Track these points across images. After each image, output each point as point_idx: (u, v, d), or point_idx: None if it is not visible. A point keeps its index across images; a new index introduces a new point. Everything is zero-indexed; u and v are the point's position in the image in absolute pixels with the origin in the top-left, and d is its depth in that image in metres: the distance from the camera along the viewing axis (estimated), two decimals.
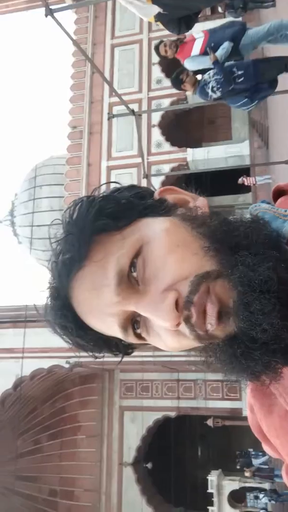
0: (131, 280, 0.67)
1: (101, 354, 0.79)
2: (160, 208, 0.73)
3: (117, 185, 0.78)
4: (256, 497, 16.25)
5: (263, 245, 0.65)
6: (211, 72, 5.06)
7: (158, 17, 4.96)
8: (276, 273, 0.62)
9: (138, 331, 0.70)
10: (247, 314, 0.61)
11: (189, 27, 5.26)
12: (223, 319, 0.63)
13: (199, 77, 5.28)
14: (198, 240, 0.67)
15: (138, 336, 0.71)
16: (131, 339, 0.71)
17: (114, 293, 0.67)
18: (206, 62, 5.05)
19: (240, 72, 5.05)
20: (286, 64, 5.30)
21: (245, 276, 0.61)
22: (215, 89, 5.04)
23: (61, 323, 0.72)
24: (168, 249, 0.66)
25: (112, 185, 0.80)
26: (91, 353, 0.78)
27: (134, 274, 0.67)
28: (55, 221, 0.74)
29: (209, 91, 5.12)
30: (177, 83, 5.37)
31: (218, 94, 5.08)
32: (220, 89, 5.01)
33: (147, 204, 0.73)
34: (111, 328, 0.70)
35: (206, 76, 5.14)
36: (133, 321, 0.69)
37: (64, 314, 0.71)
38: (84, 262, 0.69)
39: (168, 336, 0.67)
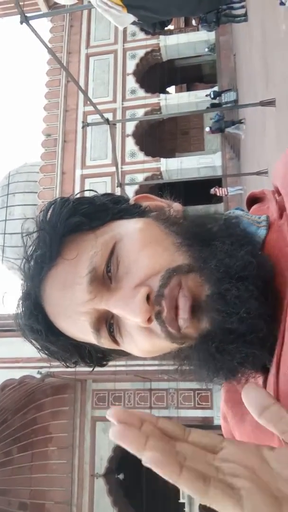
0: (104, 279, 0.66)
1: (73, 364, 0.76)
2: (134, 211, 0.73)
3: (93, 193, 0.77)
4: None
5: (239, 236, 0.65)
6: None
7: (134, 23, 5.05)
8: (254, 258, 0.62)
9: (113, 333, 0.68)
10: (222, 304, 0.60)
11: (163, 27, 5.35)
12: (196, 314, 0.61)
13: None
14: (170, 237, 0.67)
15: (112, 339, 0.68)
16: (104, 341, 0.69)
17: (86, 291, 0.65)
18: None
19: None
20: None
21: (221, 264, 0.61)
22: None
23: (31, 325, 0.70)
24: (140, 245, 0.66)
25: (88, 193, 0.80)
26: (62, 361, 0.76)
27: (109, 273, 0.66)
28: (29, 220, 0.73)
29: None
30: None
31: None
32: None
33: (121, 207, 0.73)
34: (83, 329, 0.68)
35: None
36: (107, 323, 0.67)
37: (34, 315, 0.69)
38: (56, 260, 0.67)
39: (139, 336, 0.65)
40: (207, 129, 17.76)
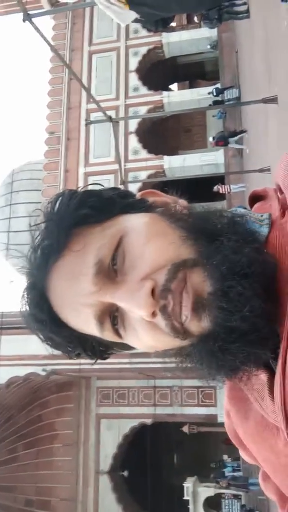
0: (110, 272, 0.66)
1: (75, 356, 0.77)
2: (140, 206, 0.74)
3: (99, 187, 0.78)
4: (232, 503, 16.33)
5: (244, 233, 0.65)
6: None
7: (136, 21, 5.05)
8: (260, 255, 0.62)
9: (116, 326, 0.68)
10: (225, 301, 0.59)
11: (165, 24, 5.34)
12: (198, 311, 0.61)
13: None
14: (176, 231, 0.67)
15: (115, 332, 0.68)
16: (107, 334, 0.69)
17: (91, 282, 0.66)
18: None
19: None
20: None
21: (226, 259, 0.61)
22: None
23: (36, 315, 0.70)
24: (146, 239, 0.66)
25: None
26: (65, 353, 0.76)
27: (115, 267, 0.66)
28: (36, 211, 0.73)
29: None
30: None
31: None
32: None
33: (128, 202, 0.74)
34: (86, 321, 0.69)
35: None
36: (111, 316, 0.68)
37: (39, 304, 0.69)
38: (63, 251, 0.67)
39: (143, 330, 0.65)
40: (211, 139, 17.69)
